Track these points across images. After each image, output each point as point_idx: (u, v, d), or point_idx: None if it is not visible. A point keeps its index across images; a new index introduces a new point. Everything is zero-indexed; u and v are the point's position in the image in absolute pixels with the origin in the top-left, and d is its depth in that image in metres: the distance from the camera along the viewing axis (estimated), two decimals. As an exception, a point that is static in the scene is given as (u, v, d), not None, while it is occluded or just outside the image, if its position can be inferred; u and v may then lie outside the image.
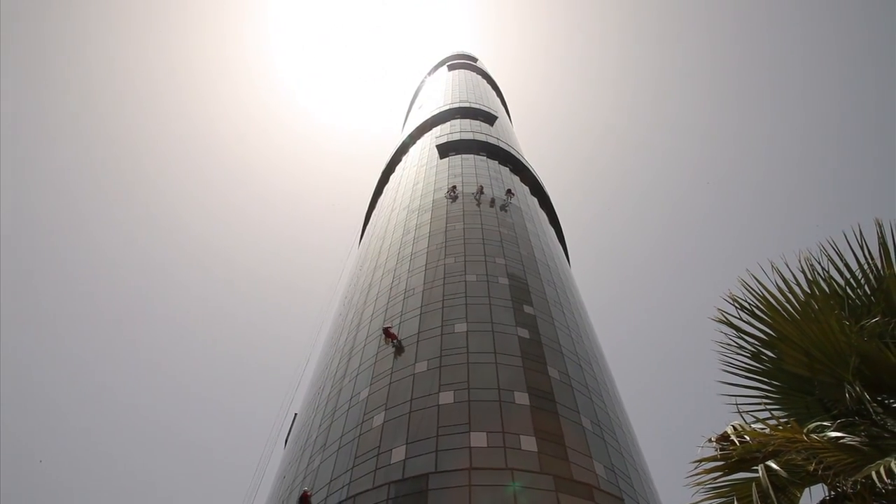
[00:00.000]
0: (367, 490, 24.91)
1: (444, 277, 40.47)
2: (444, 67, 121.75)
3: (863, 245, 6.93)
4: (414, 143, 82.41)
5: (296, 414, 44.63)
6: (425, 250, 45.70)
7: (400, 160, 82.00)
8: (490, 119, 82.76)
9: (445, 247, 45.07)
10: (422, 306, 37.91)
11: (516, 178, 66.17)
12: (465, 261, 42.37)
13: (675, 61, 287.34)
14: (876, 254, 6.90)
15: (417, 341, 34.42)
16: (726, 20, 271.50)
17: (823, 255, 7.05)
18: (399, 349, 34.50)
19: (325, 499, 26.47)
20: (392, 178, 78.36)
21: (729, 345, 7.24)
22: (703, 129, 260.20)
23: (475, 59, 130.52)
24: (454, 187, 55.86)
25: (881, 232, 6.79)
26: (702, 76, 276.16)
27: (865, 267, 7.00)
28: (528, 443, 25.95)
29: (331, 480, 27.74)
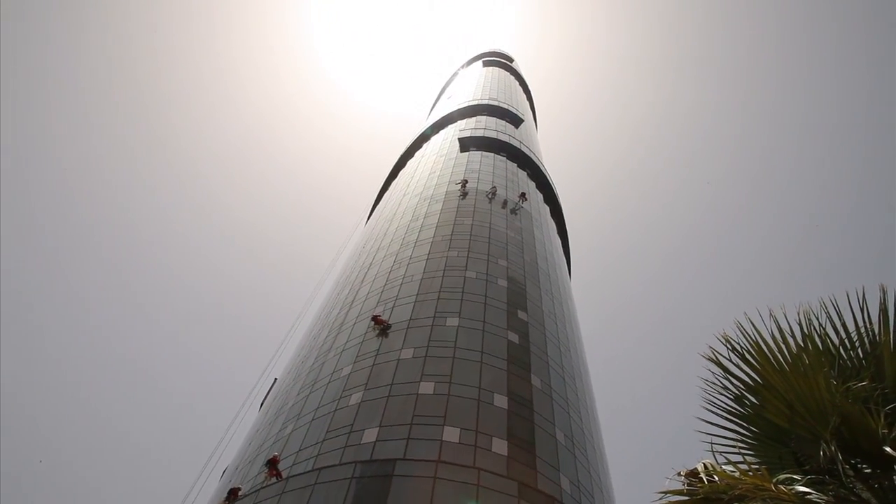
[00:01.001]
0: (334, 465, 25.01)
1: (445, 270, 40.49)
2: (480, 62, 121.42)
3: (863, 308, 6.94)
4: (437, 132, 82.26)
5: (276, 379, 44.78)
6: (430, 240, 45.71)
7: (420, 147, 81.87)
8: (516, 121, 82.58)
9: (451, 240, 45.07)
10: (417, 294, 37.96)
11: (532, 184, 66.07)
12: (467, 257, 42.38)
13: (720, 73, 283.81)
14: (875, 318, 6.91)
15: (407, 328, 34.48)
16: (776, 25, 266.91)
17: (823, 311, 7.07)
18: (385, 333, 34.54)
19: (291, 466, 26.60)
20: (409, 163, 78.28)
21: (714, 383, 7.27)
22: (732, 147, 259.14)
23: (511, 60, 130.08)
24: (465, 182, 55.79)
25: (884, 298, 6.80)
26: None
27: (862, 330, 7.01)
28: (500, 446, 26.03)
29: (299, 450, 27.86)
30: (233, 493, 27.59)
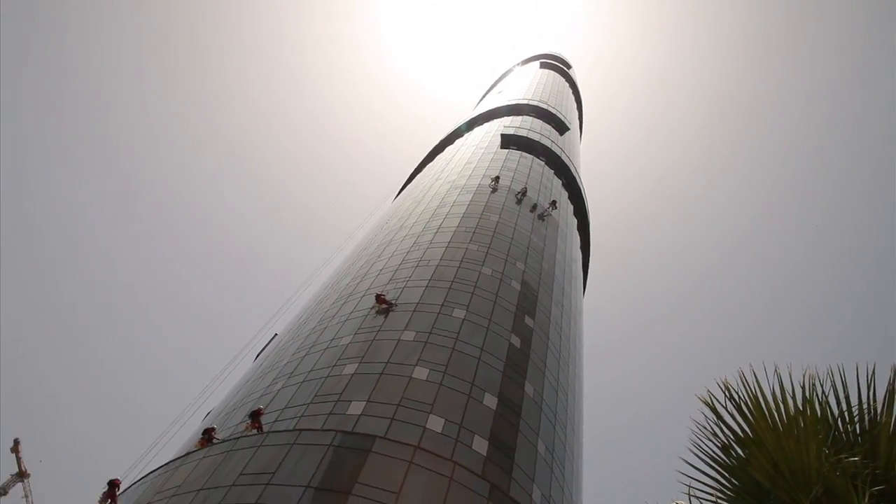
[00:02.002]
0: (315, 429, 25.17)
1: (462, 261, 40.43)
2: (537, 63, 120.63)
3: (870, 384, 6.78)
4: (480, 124, 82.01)
5: (276, 335, 45.13)
6: (454, 229, 45.64)
7: (461, 135, 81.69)
8: (561, 127, 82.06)
9: (473, 233, 44.98)
10: (430, 279, 37.96)
11: (565, 194, 65.73)
12: (486, 253, 42.27)
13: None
14: (880, 397, 6.76)
15: (413, 311, 34.51)
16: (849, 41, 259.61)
17: (829, 379, 6.92)
18: (385, 312, 34.54)
19: (273, 423, 26.83)
20: (448, 149, 78.15)
21: (704, 428, 7.16)
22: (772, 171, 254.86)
23: (569, 66, 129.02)
24: (498, 178, 55.59)
25: (893, 380, 6.64)
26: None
27: (864, 407, 6.87)
28: (480, 444, 26.02)
29: (284, 408, 28.09)
30: (208, 433, 27.87)
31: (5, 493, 73.33)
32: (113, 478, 26.21)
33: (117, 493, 25.96)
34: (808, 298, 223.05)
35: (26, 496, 74.60)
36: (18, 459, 76.43)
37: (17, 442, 76.09)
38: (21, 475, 75.10)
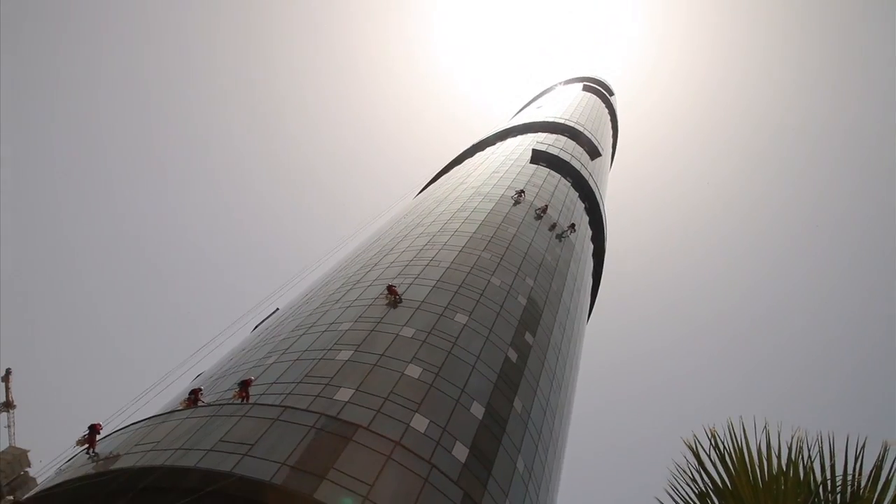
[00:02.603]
0: (300, 409, 25.21)
1: (472, 267, 40.40)
2: (580, 85, 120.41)
3: (858, 457, 6.69)
4: (514, 135, 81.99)
5: (277, 309, 45.31)
6: (470, 234, 45.62)
7: (494, 143, 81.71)
8: (593, 153, 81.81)
9: (489, 242, 44.93)
10: (438, 280, 37.95)
11: (586, 218, 65.53)
12: (498, 263, 42.21)
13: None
14: (866, 472, 6.67)
15: (417, 308, 34.51)
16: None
17: (817, 444, 6.84)
18: (395, 305, 34.63)
19: (260, 396, 26.90)
20: (478, 155, 78.19)
21: (685, 472, 7.10)
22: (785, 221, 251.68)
23: (611, 93, 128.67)
24: (522, 192, 55.55)
25: (882, 456, 6.55)
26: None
27: (849, 479, 6.77)
28: (460, 452, 25.95)
29: (273, 382, 28.17)
30: (195, 394, 28.04)
31: None
32: (95, 423, 26.44)
33: (97, 439, 26.17)
34: (811, 360, 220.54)
35: (9, 426, 75.40)
36: (7, 389, 77.26)
37: (8, 372, 76.96)
38: (7, 405, 75.95)
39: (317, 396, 26.40)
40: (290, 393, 26.84)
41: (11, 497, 23.72)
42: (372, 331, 32.08)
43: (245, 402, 26.36)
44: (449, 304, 35.58)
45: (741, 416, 6.93)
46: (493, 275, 40.51)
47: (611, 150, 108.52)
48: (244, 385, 27.20)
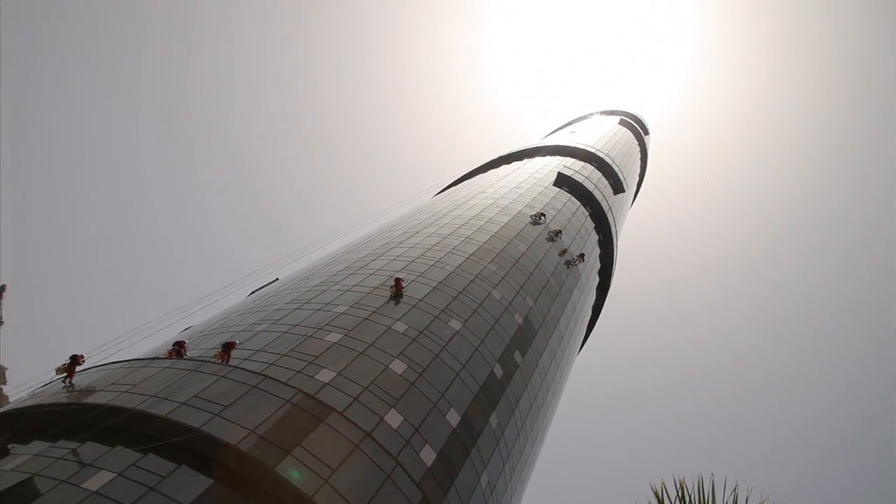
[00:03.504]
0: (279, 381, 25.21)
1: (476, 276, 40.35)
2: (618, 118, 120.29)
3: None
4: (542, 155, 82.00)
5: (276, 279, 45.38)
6: (480, 244, 45.59)
7: (521, 158, 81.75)
8: (618, 188, 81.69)
9: (497, 255, 44.88)
10: (440, 282, 37.91)
11: (597, 251, 65.35)
12: (502, 278, 42.13)
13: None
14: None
15: (414, 306, 34.48)
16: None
17: (784, 517, 6.75)
18: (396, 299, 34.60)
19: (242, 360, 26.85)
20: (504, 167, 78.23)
21: (645, 517, 7.01)
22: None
23: (647, 132, 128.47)
24: (543, 215, 55.50)
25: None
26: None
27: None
28: (427, 455, 25.86)
29: (258, 350, 28.16)
30: (179, 346, 28.09)
31: None
32: (77, 354, 26.53)
33: (76, 370, 26.27)
34: (802, 428, 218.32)
35: (-7, 341, 75.71)
36: (-1, 305, 77.66)
37: (3, 288, 77.41)
38: (-5, 320, 76.33)
39: (298, 372, 26.39)
40: (272, 363, 26.82)
41: (-19, 411, 23.90)
42: (365, 319, 32.06)
43: (225, 363, 26.37)
44: (446, 307, 35.53)
45: (713, 473, 6.84)
46: (495, 287, 40.43)
47: (635, 188, 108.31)
48: (227, 347, 27.20)
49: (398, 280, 35.86)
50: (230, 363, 26.41)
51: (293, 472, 21.04)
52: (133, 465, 19.56)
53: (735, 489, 6.56)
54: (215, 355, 26.88)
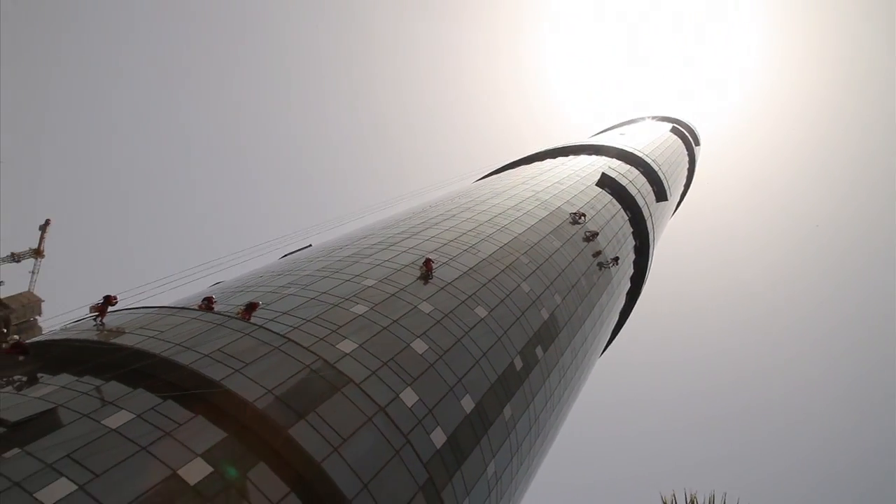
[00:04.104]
0: (301, 346, 25.52)
1: (507, 267, 40.20)
2: (670, 125, 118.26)
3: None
4: (588, 153, 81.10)
5: (310, 245, 45.84)
6: (515, 235, 45.39)
7: (566, 154, 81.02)
8: (661, 195, 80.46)
9: (531, 248, 44.63)
10: (470, 269, 37.88)
11: (632, 257, 64.59)
12: (533, 272, 41.92)
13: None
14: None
15: (441, 288, 34.54)
16: None
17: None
18: (425, 279, 34.69)
19: (266, 322, 27.20)
20: (547, 161, 77.63)
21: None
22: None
23: (698, 143, 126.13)
24: (583, 215, 54.96)
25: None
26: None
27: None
28: (438, 437, 25.98)
29: (284, 313, 28.50)
30: (208, 301, 28.58)
31: (18, 260, 76.93)
32: (110, 294, 27.17)
33: (108, 310, 26.92)
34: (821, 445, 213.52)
35: (34, 272, 78.14)
36: (41, 238, 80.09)
37: (47, 222, 79.69)
38: (37, 253, 78.82)
39: (320, 339, 26.68)
40: (296, 327, 27.15)
41: (17, 337, 24.66)
42: (392, 295, 32.22)
43: (247, 322, 26.72)
44: (474, 294, 35.51)
45: (725, 493, 6.73)
46: (524, 280, 40.26)
47: (679, 198, 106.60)
48: (250, 307, 27.50)
49: (428, 260, 35.93)
50: (252, 322, 26.77)
51: (305, 436, 21.34)
52: (152, 408, 20.03)
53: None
54: (238, 313, 27.27)
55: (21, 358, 23.04)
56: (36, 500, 15.73)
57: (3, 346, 23.42)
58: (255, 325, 26.37)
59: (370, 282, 33.28)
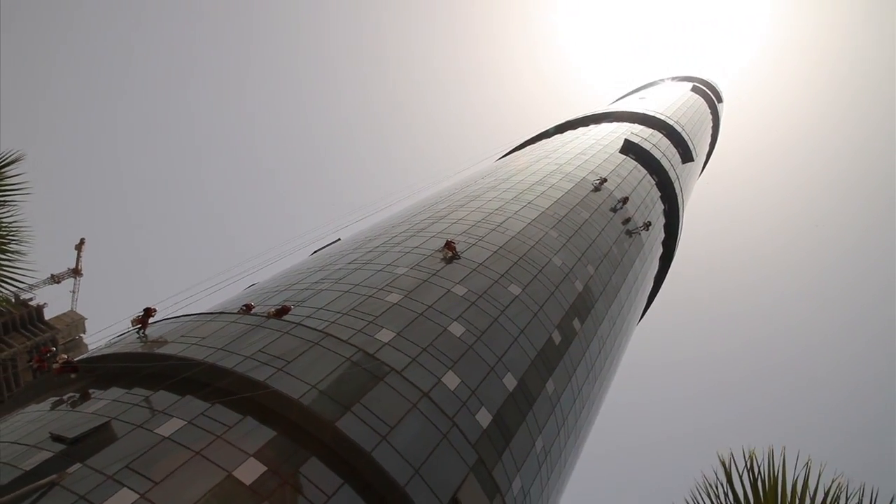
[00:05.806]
0: (340, 339, 25.72)
1: (537, 242, 39.98)
2: (690, 84, 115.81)
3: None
4: (609, 121, 79.95)
5: (339, 239, 46.07)
6: (542, 210, 45.07)
7: (587, 124, 79.97)
8: (686, 156, 79.08)
9: (559, 221, 44.29)
10: (501, 247, 37.74)
11: (662, 221, 63.76)
12: (563, 245, 41.62)
13: None
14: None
15: (474, 270, 34.47)
16: None
17: (857, 495, 6.47)
18: (449, 261, 34.61)
19: (304, 319, 27.43)
20: (569, 133, 76.72)
21: (711, 486, 6.82)
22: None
23: (720, 100, 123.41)
24: (604, 180, 54.29)
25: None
26: None
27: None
28: (483, 417, 26.06)
29: (320, 308, 28.72)
30: (247, 307, 28.92)
31: (58, 281, 78.82)
32: (150, 306, 27.67)
33: (149, 322, 27.44)
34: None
35: (74, 291, 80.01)
36: (78, 257, 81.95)
37: (82, 241, 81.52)
38: (75, 272, 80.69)
39: (358, 331, 26.85)
40: (333, 322, 27.35)
41: (66, 356, 25.27)
42: (425, 281, 32.26)
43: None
44: (506, 272, 35.40)
45: (783, 447, 6.59)
46: (556, 254, 40.01)
47: (705, 157, 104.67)
48: (281, 311, 27.60)
49: (448, 242, 35.79)
50: (289, 321, 27.00)
51: (352, 427, 21.55)
52: (202, 413, 20.40)
53: (808, 464, 6.32)
54: (268, 314, 27.44)
55: (72, 376, 23.67)
56: (100, 510, 16.17)
57: (54, 366, 24.03)
58: (293, 322, 26.64)
59: (402, 270, 33.36)
